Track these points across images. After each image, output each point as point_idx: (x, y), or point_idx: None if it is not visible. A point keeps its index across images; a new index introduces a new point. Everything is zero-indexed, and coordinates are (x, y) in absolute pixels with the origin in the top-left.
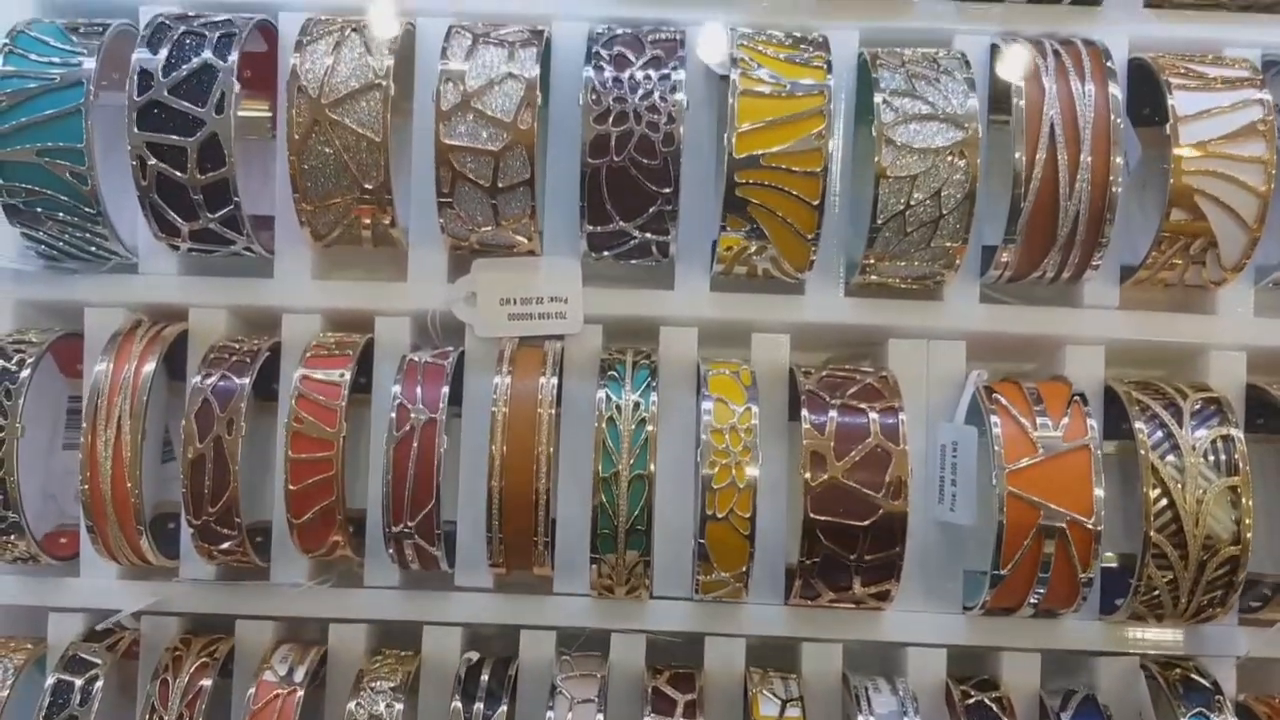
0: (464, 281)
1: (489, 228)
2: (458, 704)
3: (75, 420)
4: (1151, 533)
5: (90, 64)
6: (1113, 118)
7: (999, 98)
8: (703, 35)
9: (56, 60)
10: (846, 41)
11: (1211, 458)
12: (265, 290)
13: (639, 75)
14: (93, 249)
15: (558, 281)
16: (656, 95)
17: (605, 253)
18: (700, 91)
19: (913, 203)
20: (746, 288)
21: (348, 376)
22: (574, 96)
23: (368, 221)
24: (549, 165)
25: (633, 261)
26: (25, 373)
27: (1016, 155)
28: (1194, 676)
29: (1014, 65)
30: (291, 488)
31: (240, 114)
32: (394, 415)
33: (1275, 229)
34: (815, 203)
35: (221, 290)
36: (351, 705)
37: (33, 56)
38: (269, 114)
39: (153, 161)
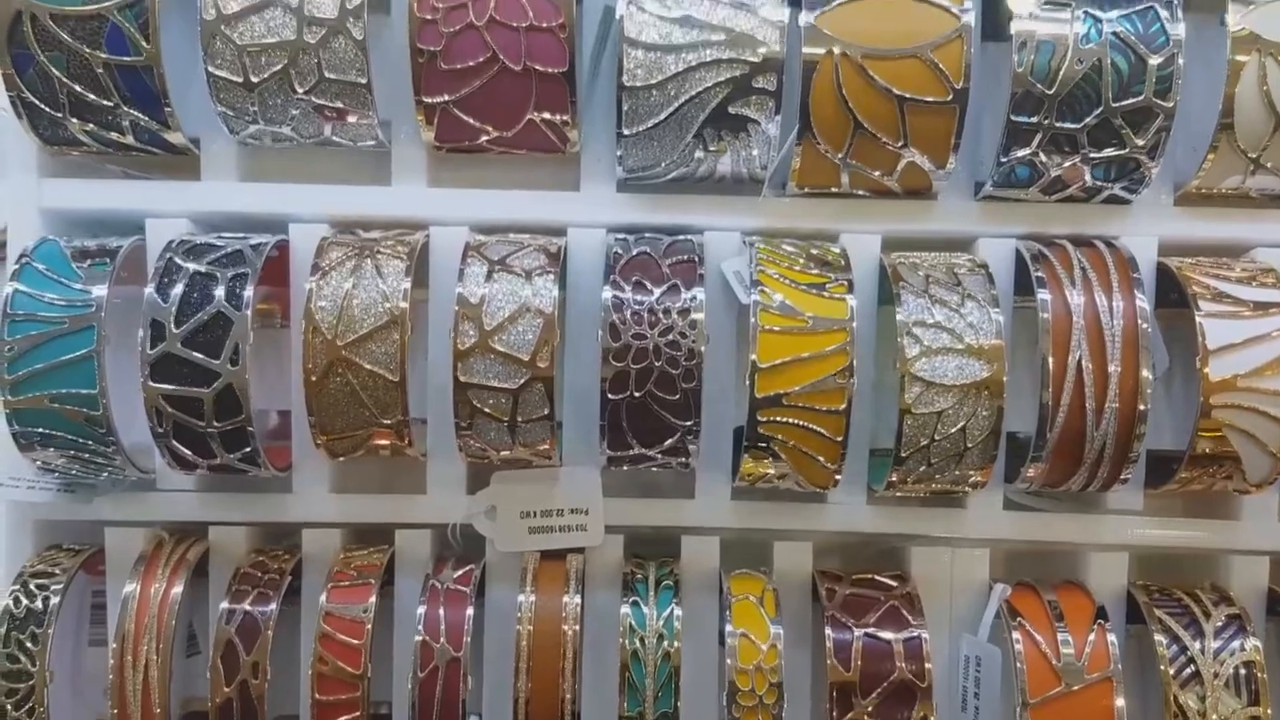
0: (484, 494)
1: (506, 451)
2: None
3: (99, 615)
4: None
5: (101, 291)
6: (1141, 327)
7: (1022, 287)
8: (719, 244)
9: (65, 300)
10: (868, 246)
11: (1232, 684)
12: (284, 506)
13: (658, 308)
14: (108, 471)
15: (578, 493)
16: (676, 331)
17: (625, 466)
18: (718, 292)
19: (938, 437)
20: (768, 496)
21: (371, 611)
22: (585, 304)
23: (384, 443)
24: (565, 374)
25: (653, 469)
26: (48, 618)
27: (1044, 365)
28: None
29: (1040, 277)
30: None
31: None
32: (418, 651)
33: None
34: (839, 439)
35: (240, 507)
36: None
37: (41, 294)
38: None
39: (169, 411)
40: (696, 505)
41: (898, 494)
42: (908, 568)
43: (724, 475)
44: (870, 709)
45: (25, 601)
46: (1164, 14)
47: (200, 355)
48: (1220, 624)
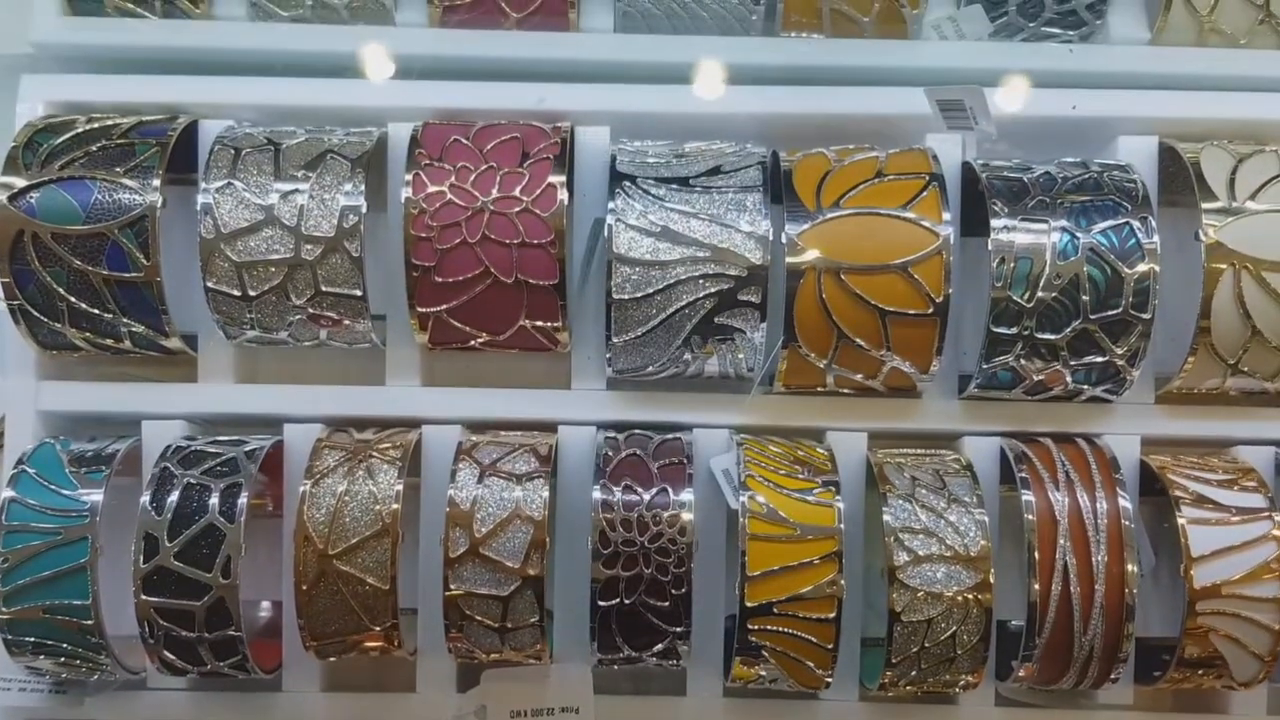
0: (474, 693)
1: (496, 654)
2: None
3: None
4: None
5: (96, 498)
6: (1125, 526)
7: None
8: (708, 441)
9: (59, 510)
10: (854, 444)
11: None
12: (274, 706)
13: (646, 515)
14: (99, 673)
15: (569, 692)
16: (666, 538)
17: (615, 666)
18: (707, 488)
19: (928, 644)
20: (761, 694)
21: None
22: (579, 496)
23: (373, 645)
24: (556, 570)
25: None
26: None
27: (1030, 567)
28: None
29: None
30: None
31: None
32: None
33: None
34: (829, 646)
35: (231, 707)
36: None
37: (34, 504)
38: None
39: (160, 623)
40: (689, 704)
41: (887, 692)
42: None
43: (716, 671)
44: None
45: None
46: (1140, 229)
47: (192, 569)
48: None
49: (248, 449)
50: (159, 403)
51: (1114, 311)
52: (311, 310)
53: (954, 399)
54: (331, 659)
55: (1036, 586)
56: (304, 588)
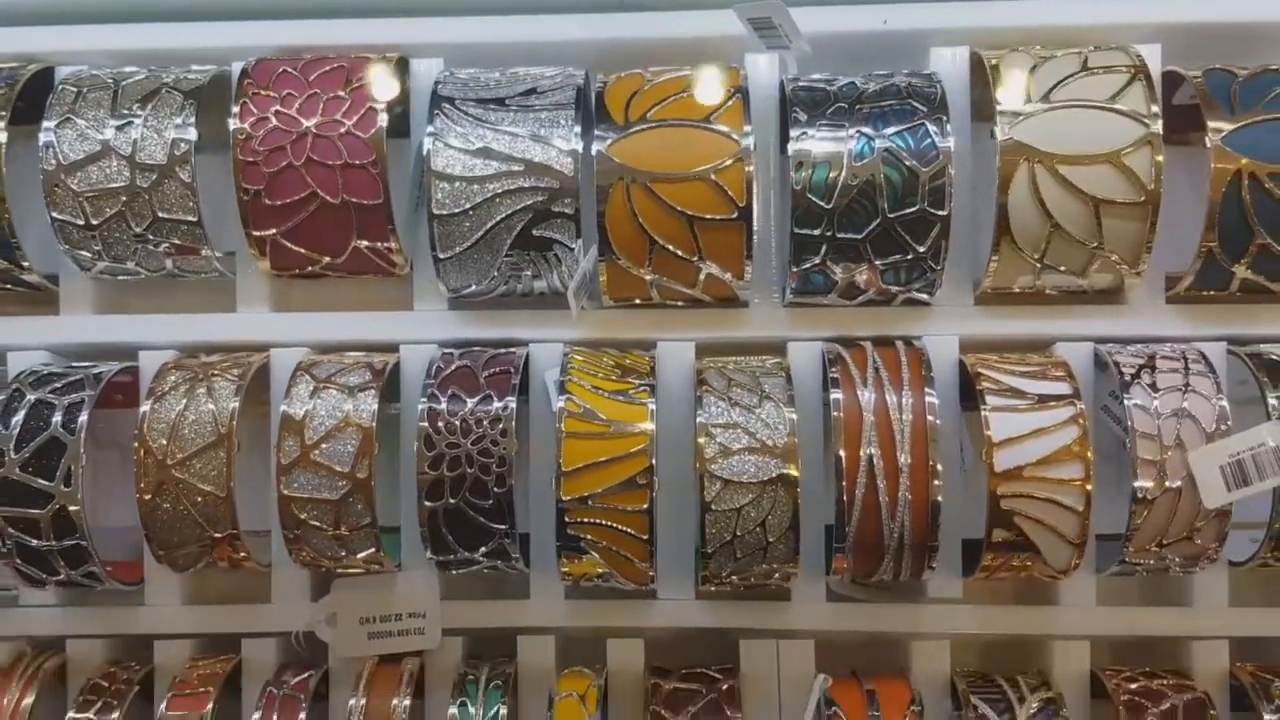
0: (325, 601)
1: (333, 559)
2: None
3: None
4: None
5: None
6: (931, 421)
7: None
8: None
9: None
10: (683, 353)
11: None
12: (137, 618)
13: (469, 418)
14: None
15: (416, 598)
16: (488, 439)
17: (456, 570)
18: (544, 407)
19: (739, 533)
20: (600, 594)
21: (208, 716)
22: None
23: (223, 557)
24: (402, 483)
25: (486, 571)
26: None
27: (837, 459)
28: None
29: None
30: None
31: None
32: None
33: (1117, 505)
34: (644, 536)
35: (97, 620)
36: None
37: None
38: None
39: (10, 532)
40: (532, 605)
41: (714, 588)
42: (738, 661)
43: (556, 579)
44: None
45: None
46: (934, 130)
47: (35, 479)
48: (1034, 709)
49: (95, 372)
50: (22, 334)
51: (911, 209)
52: (152, 237)
53: (780, 306)
54: (189, 572)
55: (845, 475)
56: (146, 498)
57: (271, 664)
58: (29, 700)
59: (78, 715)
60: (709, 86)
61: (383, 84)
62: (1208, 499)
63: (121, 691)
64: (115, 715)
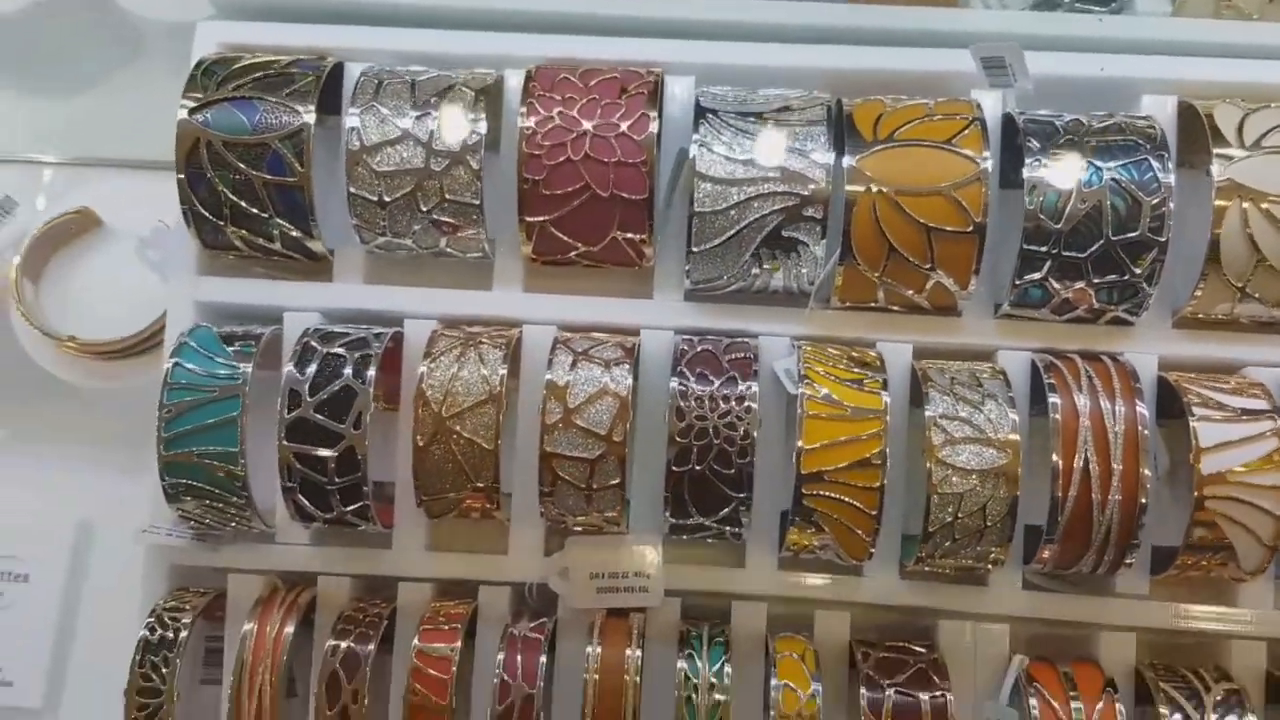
0: (558, 557)
1: (582, 516)
2: None
3: (213, 658)
4: None
5: (246, 371)
6: (1141, 431)
7: (1038, 398)
8: (772, 348)
9: (214, 373)
10: (901, 353)
11: None
12: (384, 561)
13: (717, 395)
14: (235, 524)
15: (641, 560)
16: (733, 414)
17: (684, 536)
18: (769, 392)
19: (960, 515)
20: (811, 568)
21: (457, 650)
22: (657, 395)
23: (476, 506)
24: (636, 455)
25: (709, 541)
26: (182, 636)
27: (1054, 460)
28: None
29: (1051, 383)
30: None
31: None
32: (497, 688)
33: None
34: (873, 512)
35: (347, 560)
36: None
37: (194, 369)
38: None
39: (298, 467)
40: (747, 574)
41: (926, 568)
42: (936, 640)
43: (771, 549)
44: None
45: (160, 630)
46: (1157, 165)
47: (329, 421)
48: (1219, 698)
49: (375, 333)
50: (299, 297)
51: (1133, 234)
52: (435, 216)
53: (991, 318)
54: (437, 520)
55: (1060, 468)
56: (420, 444)
57: (505, 612)
58: (290, 629)
59: (337, 642)
60: (950, 113)
61: (654, 95)
62: None
63: (374, 623)
64: (370, 645)
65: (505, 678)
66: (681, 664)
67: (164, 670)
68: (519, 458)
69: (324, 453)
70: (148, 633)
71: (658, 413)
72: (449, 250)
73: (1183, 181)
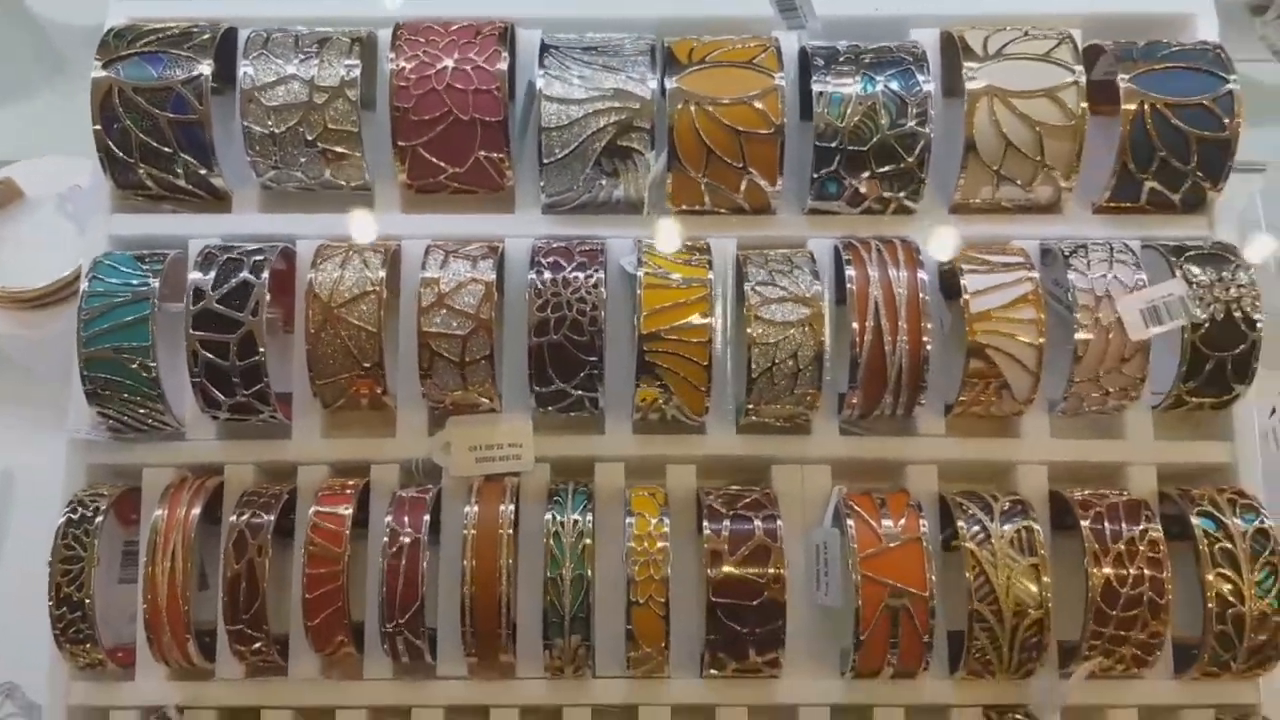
0: (441, 435)
1: (459, 392)
2: None
3: (129, 560)
4: (974, 605)
5: (155, 284)
6: (921, 295)
7: (842, 285)
8: (618, 248)
9: (127, 282)
10: (726, 247)
11: (1016, 544)
12: (285, 449)
13: (569, 276)
14: (150, 422)
15: (514, 432)
16: (583, 290)
17: (550, 408)
18: (618, 288)
19: (776, 362)
20: (660, 429)
21: (350, 511)
22: (521, 294)
23: (365, 392)
24: (505, 345)
25: (571, 414)
26: (99, 519)
27: (852, 325)
28: (1024, 717)
29: (848, 260)
30: (307, 596)
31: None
32: (387, 538)
33: (1056, 372)
34: (705, 363)
35: (250, 450)
36: None
37: (110, 280)
38: (281, 314)
39: (203, 353)
40: (605, 439)
41: (755, 419)
42: (769, 483)
43: (626, 418)
44: (736, 563)
45: (81, 510)
46: (920, 75)
47: (229, 310)
48: (1005, 508)
49: (269, 245)
50: (201, 227)
51: (902, 126)
52: (321, 145)
53: (801, 214)
54: (331, 409)
55: (855, 326)
56: (312, 331)
57: (395, 485)
58: (195, 512)
59: (237, 519)
60: (751, 43)
61: (504, 36)
62: (1132, 333)
63: (275, 498)
64: (271, 515)
65: (394, 526)
66: (549, 514)
67: (84, 539)
68: (401, 351)
69: (225, 338)
70: (70, 512)
71: (520, 305)
72: (334, 179)
73: (950, 106)
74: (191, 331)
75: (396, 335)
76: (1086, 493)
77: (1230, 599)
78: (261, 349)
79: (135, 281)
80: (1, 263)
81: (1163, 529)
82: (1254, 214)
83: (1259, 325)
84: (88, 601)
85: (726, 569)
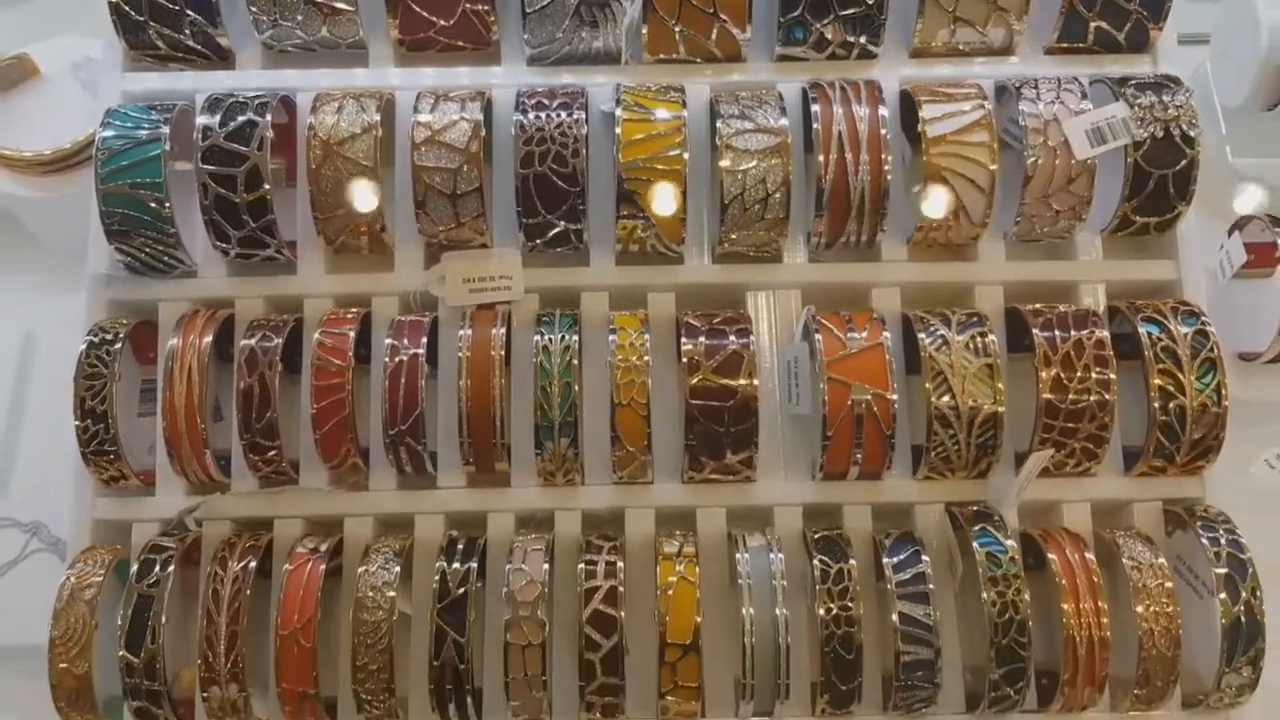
0: (436, 269)
1: (452, 226)
2: (442, 563)
3: (147, 396)
4: (933, 402)
5: (165, 129)
6: (882, 131)
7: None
8: (599, 94)
9: (141, 126)
10: (700, 92)
11: (971, 348)
12: (291, 284)
13: (552, 115)
14: (165, 260)
15: (504, 265)
16: (564, 125)
17: (538, 241)
18: (600, 133)
19: (747, 188)
20: (641, 261)
21: (353, 331)
22: (508, 141)
23: (365, 229)
24: (495, 187)
25: (558, 250)
26: (119, 345)
27: (818, 158)
28: (982, 510)
29: (814, 98)
30: (315, 407)
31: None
32: (387, 356)
33: (1010, 208)
34: (680, 188)
35: (259, 285)
36: (361, 569)
37: (124, 125)
38: (284, 166)
39: (212, 186)
40: (590, 270)
41: (728, 247)
42: (744, 308)
43: (610, 252)
44: (711, 369)
45: (102, 335)
46: None
47: (236, 145)
48: (962, 320)
49: (272, 92)
50: (207, 83)
51: None
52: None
53: (770, 60)
54: (333, 246)
55: (820, 158)
56: (313, 168)
57: (394, 314)
58: (208, 339)
59: (247, 340)
60: None
61: None
62: (1077, 152)
63: (279, 328)
64: (279, 339)
65: (394, 344)
66: (537, 335)
67: (107, 359)
68: (398, 194)
69: (233, 171)
70: (92, 336)
71: (507, 150)
72: (330, 36)
73: None
74: (201, 165)
75: (393, 178)
76: (1039, 305)
77: (1173, 391)
78: (266, 184)
79: (148, 125)
80: (19, 134)
81: (1113, 347)
82: (1204, 85)
83: (1196, 144)
84: (111, 416)
85: (702, 375)
